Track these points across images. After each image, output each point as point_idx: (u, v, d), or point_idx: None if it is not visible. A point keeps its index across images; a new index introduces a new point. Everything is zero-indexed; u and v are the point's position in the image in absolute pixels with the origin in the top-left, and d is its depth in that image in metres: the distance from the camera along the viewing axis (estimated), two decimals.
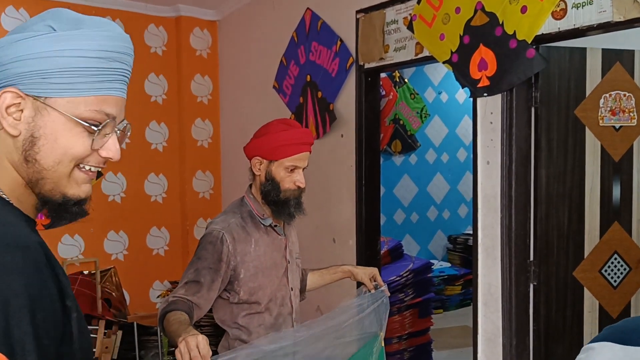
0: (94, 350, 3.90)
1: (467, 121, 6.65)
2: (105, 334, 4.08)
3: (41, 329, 0.83)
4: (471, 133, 2.72)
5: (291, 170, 2.07)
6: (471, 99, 2.69)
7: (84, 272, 4.58)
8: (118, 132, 1.02)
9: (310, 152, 2.13)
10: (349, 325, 1.94)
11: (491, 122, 2.59)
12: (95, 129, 0.95)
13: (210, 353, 1.44)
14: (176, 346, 1.54)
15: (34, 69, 0.90)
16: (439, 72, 6.51)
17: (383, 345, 2.14)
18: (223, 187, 5.28)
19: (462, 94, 6.67)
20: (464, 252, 6.45)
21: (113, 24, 1.01)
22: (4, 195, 0.93)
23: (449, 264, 6.47)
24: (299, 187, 2.08)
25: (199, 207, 5.17)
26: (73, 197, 0.98)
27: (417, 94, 6.26)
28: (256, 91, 4.59)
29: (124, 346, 4.19)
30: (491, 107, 2.58)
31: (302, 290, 2.38)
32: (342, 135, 3.57)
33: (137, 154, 4.91)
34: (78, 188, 0.98)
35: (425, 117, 6.38)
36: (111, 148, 1.00)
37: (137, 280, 4.95)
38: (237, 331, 2.07)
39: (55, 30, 0.93)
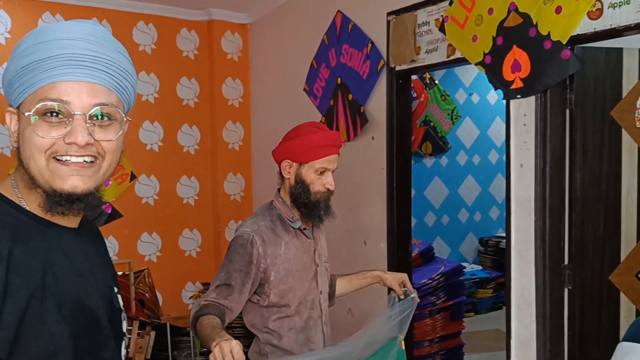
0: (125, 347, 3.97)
1: (499, 122, 6.59)
2: (139, 334, 4.14)
3: None
4: (503, 135, 2.70)
5: (321, 172, 2.07)
6: (503, 101, 2.67)
7: (119, 273, 4.67)
8: (86, 117, 1.02)
9: (339, 154, 2.14)
10: (380, 339, 1.93)
11: (525, 124, 2.56)
12: (28, 114, 0.99)
13: (244, 358, 1.45)
14: (209, 350, 1.56)
15: (4, 84, 1.02)
16: (470, 73, 6.45)
17: (404, 347, 2.13)
18: (254, 190, 5.32)
19: (494, 95, 6.60)
20: (496, 254, 6.38)
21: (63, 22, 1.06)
22: (17, 197, 1.05)
23: (480, 267, 6.40)
24: (328, 190, 2.09)
25: (230, 209, 5.22)
26: (60, 190, 1.02)
27: (448, 96, 6.22)
28: (287, 94, 4.62)
29: (157, 346, 4.24)
30: (525, 109, 2.55)
31: (331, 295, 2.37)
32: (373, 138, 3.57)
33: (170, 157, 4.99)
34: (62, 181, 1.02)
35: (456, 118, 6.34)
36: (72, 132, 1.01)
37: (170, 281, 5.02)
38: (268, 335, 2.07)
39: None
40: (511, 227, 2.66)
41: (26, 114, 0.99)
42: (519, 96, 2.52)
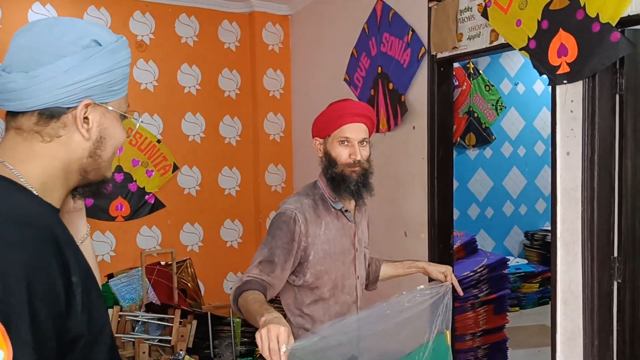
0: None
1: (546, 113, 6.42)
2: (180, 322, 4.20)
3: (38, 299, 0.88)
4: (550, 125, 2.60)
5: (345, 143, 2.03)
6: (549, 87, 2.57)
7: (161, 262, 4.74)
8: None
9: (367, 125, 2.07)
10: (412, 314, 1.88)
11: (572, 111, 2.46)
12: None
13: (287, 343, 1.42)
14: (255, 326, 1.54)
15: (105, 82, 1.05)
16: (516, 62, 6.30)
17: (449, 343, 2.07)
18: (295, 181, 5.32)
19: (540, 85, 6.43)
20: (542, 248, 6.24)
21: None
22: (31, 189, 1.02)
23: (525, 261, 6.27)
24: (355, 161, 2.02)
25: (271, 200, 5.23)
26: (108, 177, 1.15)
27: (492, 86, 6.09)
28: (327, 84, 4.59)
29: (198, 335, 4.30)
30: (572, 95, 2.46)
31: (375, 280, 2.35)
32: (413, 127, 3.51)
33: (212, 148, 5.03)
34: (110, 170, 1.15)
35: (500, 109, 6.20)
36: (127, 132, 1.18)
37: (212, 271, 5.07)
38: (301, 320, 2.06)
39: (100, 44, 1.05)
40: (557, 218, 2.57)
41: (121, 112, 1.11)
42: (565, 81, 2.43)
